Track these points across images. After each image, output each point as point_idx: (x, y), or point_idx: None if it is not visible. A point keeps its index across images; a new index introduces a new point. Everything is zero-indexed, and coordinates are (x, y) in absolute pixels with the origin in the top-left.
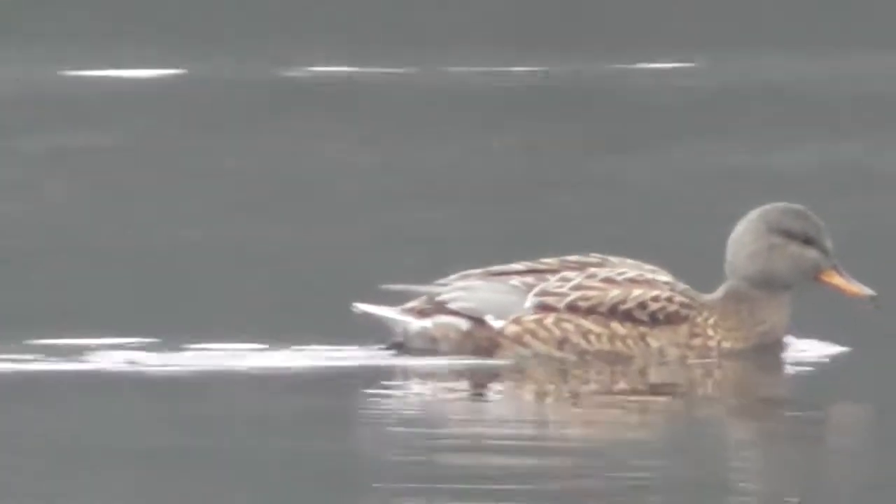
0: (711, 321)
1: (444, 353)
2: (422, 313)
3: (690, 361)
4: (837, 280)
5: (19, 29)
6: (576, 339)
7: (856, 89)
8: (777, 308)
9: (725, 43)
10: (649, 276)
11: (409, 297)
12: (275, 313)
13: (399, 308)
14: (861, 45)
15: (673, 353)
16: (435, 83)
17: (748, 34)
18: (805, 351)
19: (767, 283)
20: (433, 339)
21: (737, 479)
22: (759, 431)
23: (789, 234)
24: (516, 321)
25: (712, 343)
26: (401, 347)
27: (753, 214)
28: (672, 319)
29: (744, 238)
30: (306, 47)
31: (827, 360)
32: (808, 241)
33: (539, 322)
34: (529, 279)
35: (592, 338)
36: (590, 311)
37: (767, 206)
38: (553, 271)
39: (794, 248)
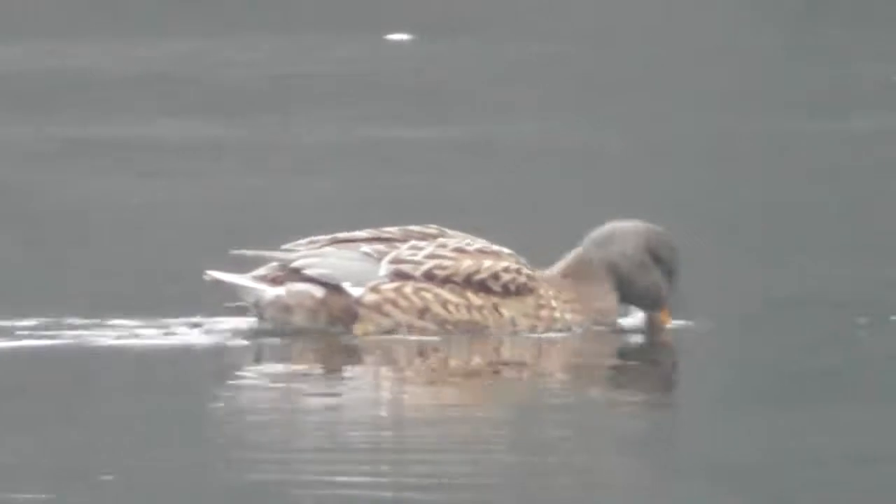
0: (552, 293)
1: (298, 323)
2: (275, 280)
3: (540, 332)
4: (665, 317)
5: None
6: (436, 308)
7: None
8: (611, 294)
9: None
10: (495, 247)
11: (259, 264)
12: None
13: (251, 275)
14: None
15: (524, 323)
16: None
17: None
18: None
19: (619, 281)
20: (287, 308)
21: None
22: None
23: (658, 261)
24: (374, 289)
25: (557, 315)
26: (250, 315)
27: (641, 227)
28: (521, 291)
29: (627, 238)
30: None
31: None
32: (668, 273)
33: (398, 290)
34: (379, 247)
35: (451, 307)
36: (446, 281)
37: (654, 227)
38: (398, 240)
39: (657, 275)
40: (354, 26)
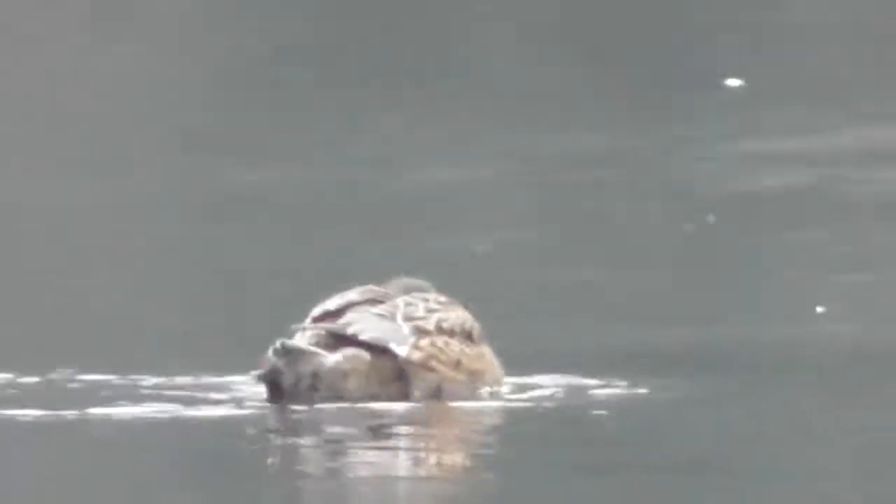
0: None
1: (351, 388)
2: (328, 347)
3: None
4: None
5: None
6: (464, 359)
7: None
8: None
9: None
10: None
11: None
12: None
13: (305, 342)
14: None
15: (498, 373)
16: None
17: None
18: None
19: None
20: (344, 374)
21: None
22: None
23: None
24: (415, 346)
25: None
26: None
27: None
28: (480, 340)
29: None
30: None
31: None
32: None
33: (433, 345)
34: (380, 308)
35: (467, 358)
36: (451, 333)
37: None
38: (373, 301)
39: None
40: None
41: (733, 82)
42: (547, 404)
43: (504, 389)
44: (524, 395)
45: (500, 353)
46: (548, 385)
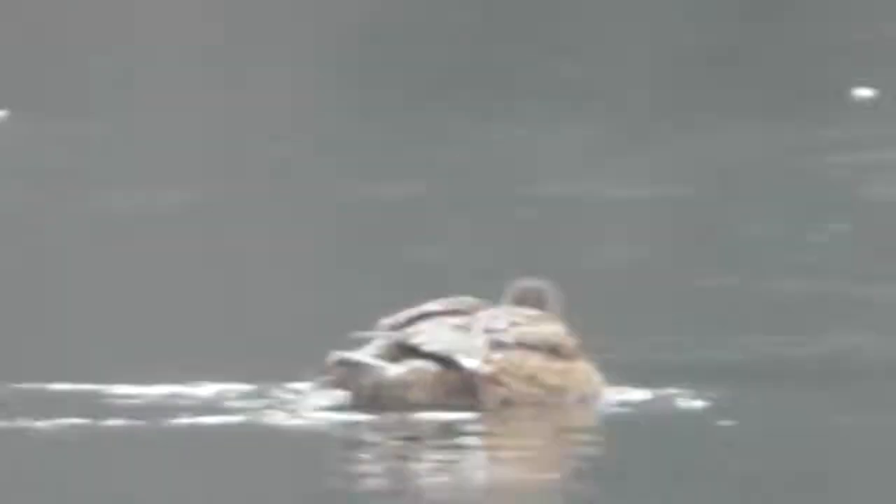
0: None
1: (414, 399)
2: (392, 358)
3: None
4: None
5: None
6: (540, 374)
7: None
8: None
9: None
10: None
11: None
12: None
13: (366, 353)
14: None
15: (587, 388)
16: None
17: None
18: None
19: None
20: (407, 385)
21: None
22: None
23: None
24: (487, 360)
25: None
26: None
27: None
28: (573, 355)
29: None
30: None
31: None
32: None
33: (507, 359)
34: (464, 319)
35: (546, 373)
36: (533, 348)
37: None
38: (464, 312)
39: None
40: None
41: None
42: (635, 413)
43: (598, 403)
44: (612, 410)
45: (609, 366)
46: (646, 398)
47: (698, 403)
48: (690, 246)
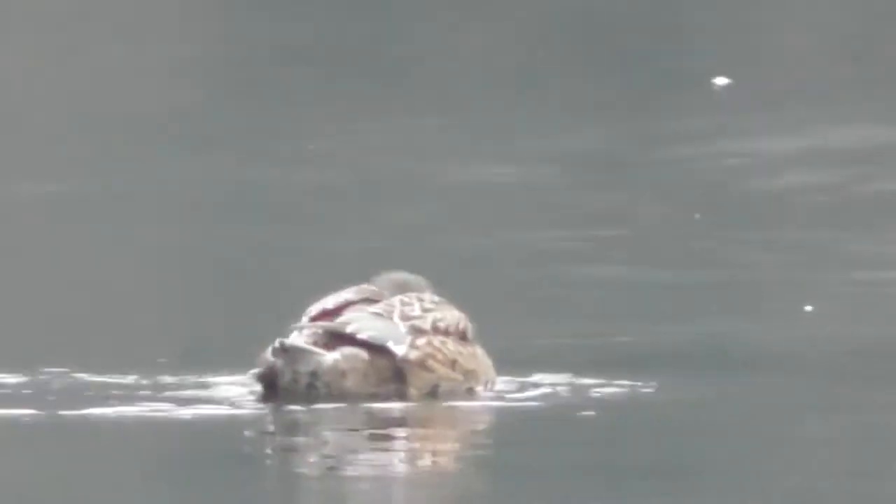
0: None
1: (350, 387)
2: (326, 346)
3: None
4: None
5: None
6: (460, 359)
7: None
8: None
9: None
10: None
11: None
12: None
13: (303, 341)
14: None
15: (490, 374)
16: None
17: None
18: None
19: None
20: (343, 373)
21: None
22: None
23: None
24: (412, 345)
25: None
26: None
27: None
28: (473, 339)
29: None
30: None
31: None
32: None
33: (430, 344)
34: (376, 307)
35: (463, 358)
36: (446, 333)
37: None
38: (369, 300)
39: None
40: None
41: (721, 81)
42: (542, 403)
43: (499, 388)
44: (521, 395)
45: (496, 352)
46: (546, 384)
47: (568, 392)
48: (555, 231)
